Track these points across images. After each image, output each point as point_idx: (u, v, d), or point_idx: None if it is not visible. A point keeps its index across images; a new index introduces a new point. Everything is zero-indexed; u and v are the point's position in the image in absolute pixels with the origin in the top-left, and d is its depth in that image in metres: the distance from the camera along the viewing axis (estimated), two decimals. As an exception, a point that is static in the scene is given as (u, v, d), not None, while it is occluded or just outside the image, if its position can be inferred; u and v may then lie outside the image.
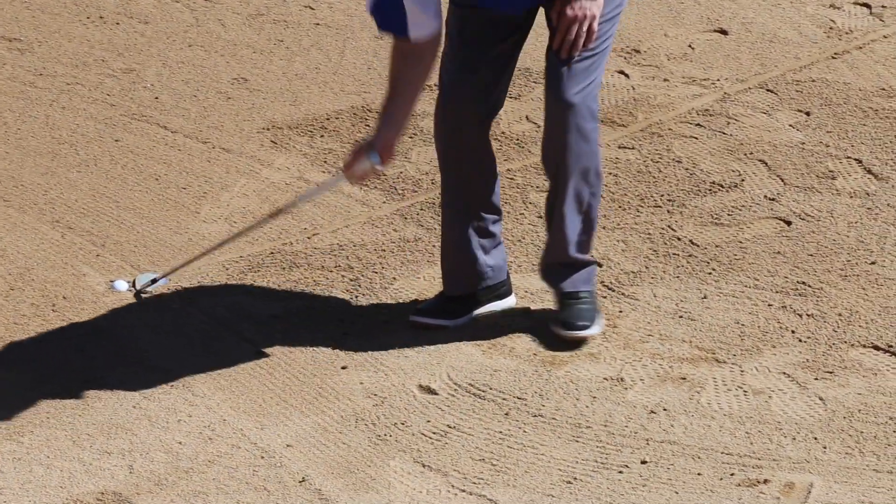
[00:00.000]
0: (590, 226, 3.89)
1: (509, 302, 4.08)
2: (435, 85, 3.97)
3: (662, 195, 4.56)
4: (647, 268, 4.29)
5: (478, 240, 3.98)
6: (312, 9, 5.73)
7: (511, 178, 4.79)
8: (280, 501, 3.52)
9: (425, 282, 4.29)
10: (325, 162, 4.94)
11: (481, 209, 3.96)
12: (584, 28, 3.65)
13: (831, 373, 3.79)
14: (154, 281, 4.22)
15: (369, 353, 3.99)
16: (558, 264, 3.90)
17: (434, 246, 4.46)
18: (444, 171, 3.97)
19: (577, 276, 3.90)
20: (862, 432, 3.57)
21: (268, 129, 5.12)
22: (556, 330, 3.90)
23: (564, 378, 3.84)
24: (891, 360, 3.83)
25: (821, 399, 3.70)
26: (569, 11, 3.64)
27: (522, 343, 4.00)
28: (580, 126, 3.73)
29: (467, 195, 3.94)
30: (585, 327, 3.86)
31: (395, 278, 4.32)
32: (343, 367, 3.95)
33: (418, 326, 4.02)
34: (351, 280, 4.32)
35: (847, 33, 5.44)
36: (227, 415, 3.79)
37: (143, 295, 4.17)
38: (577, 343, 3.85)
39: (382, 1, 3.61)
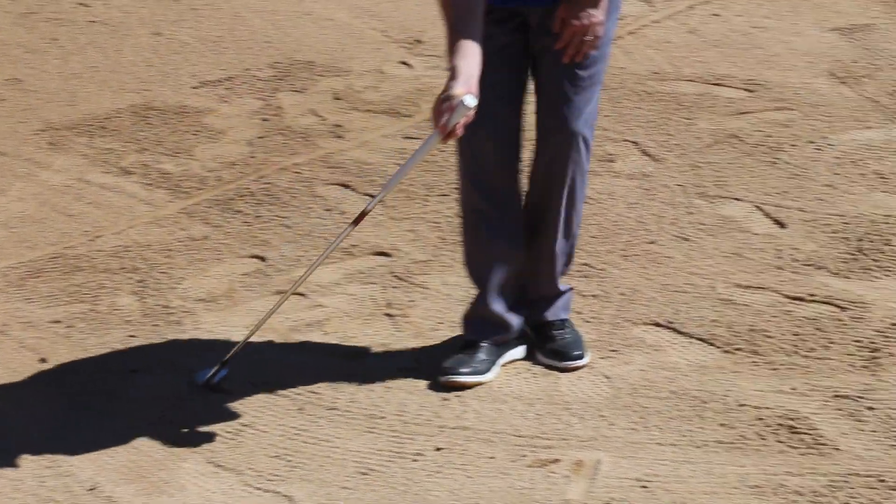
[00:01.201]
0: (572, 257, 3.81)
1: (520, 352, 3.85)
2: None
3: (450, 183, 4.60)
4: (435, 256, 4.32)
5: (511, 295, 3.81)
6: (87, 6, 5.60)
7: (298, 172, 4.77)
8: (70, 511, 3.43)
9: (214, 280, 4.24)
10: (105, 162, 4.83)
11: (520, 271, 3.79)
12: (590, 35, 3.61)
13: (616, 351, 3.88)
14: (218, 371, 3.76)
15: (159, 354, 3.93)
16: (543, 297, 3.80)
17: (222, 243, 4.41)
18: (469, 222, 3.75)
19: (558, 304, 3.82)
20: (646, 407, 3.67)
21: (45, 131, 4.98)
22: (550, 361, 3.78)
23: (358, 370, 3.84)
24: (671, 336, 3.95)
25: (607, 377, 3.79)
26: (575, 21, 3.59)
27: (315, 337, 3.99)
28: (578, 158, 3.67)
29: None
30: (580, 357, 3.78)
31: (183, 278, 4.25)
32: (132, 371, 3.87)
33: (452, 386, 3.73)
34: (138, 282, 4.24)
35: (620, 20, 5.57)
36: (11, 424, 3.68)
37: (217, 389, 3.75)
38: (567, 371, 3.75)
39: None
